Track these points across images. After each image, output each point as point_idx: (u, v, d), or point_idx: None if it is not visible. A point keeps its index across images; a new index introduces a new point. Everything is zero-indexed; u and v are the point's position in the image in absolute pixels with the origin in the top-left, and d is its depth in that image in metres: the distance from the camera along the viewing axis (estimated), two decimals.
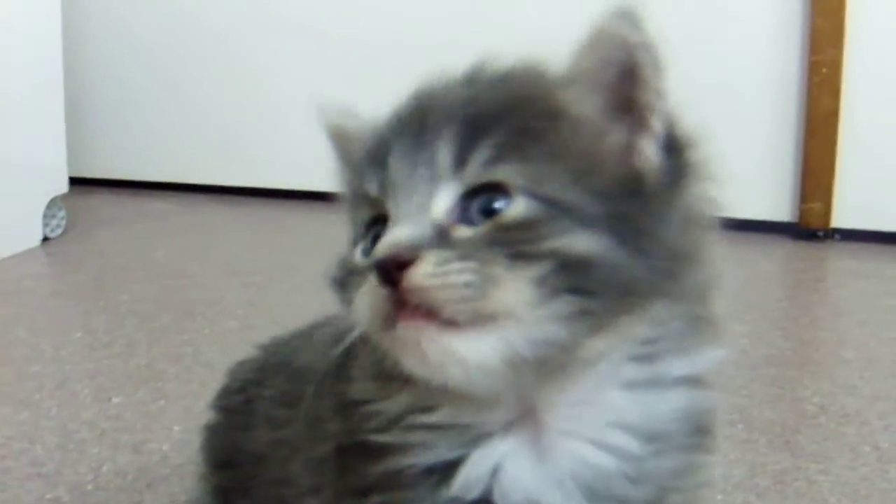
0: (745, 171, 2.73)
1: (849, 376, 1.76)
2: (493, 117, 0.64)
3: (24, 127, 2.75)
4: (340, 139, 0.77)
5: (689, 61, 2.61)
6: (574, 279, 0.60)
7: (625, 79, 0.66)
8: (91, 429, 1.55)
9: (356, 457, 0.72)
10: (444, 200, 0.63)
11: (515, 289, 0.59)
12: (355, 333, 0.64)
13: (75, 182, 3.03)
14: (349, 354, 0.68)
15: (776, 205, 2.74)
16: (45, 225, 2.83)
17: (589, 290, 0.61)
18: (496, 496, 0.67)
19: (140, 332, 2.03)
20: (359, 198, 0.70)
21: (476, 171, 0.63)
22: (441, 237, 0.62)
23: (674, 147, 0.67)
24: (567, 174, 0.63)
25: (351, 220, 0.72)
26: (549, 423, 0.67)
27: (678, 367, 0.68)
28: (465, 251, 0.60)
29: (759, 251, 2.63)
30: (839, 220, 2.67)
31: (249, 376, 1.04)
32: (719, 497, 1.31)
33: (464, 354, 0.60)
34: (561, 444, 0.67)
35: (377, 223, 0.67)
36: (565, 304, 0.60)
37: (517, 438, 0.67)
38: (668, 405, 0.68)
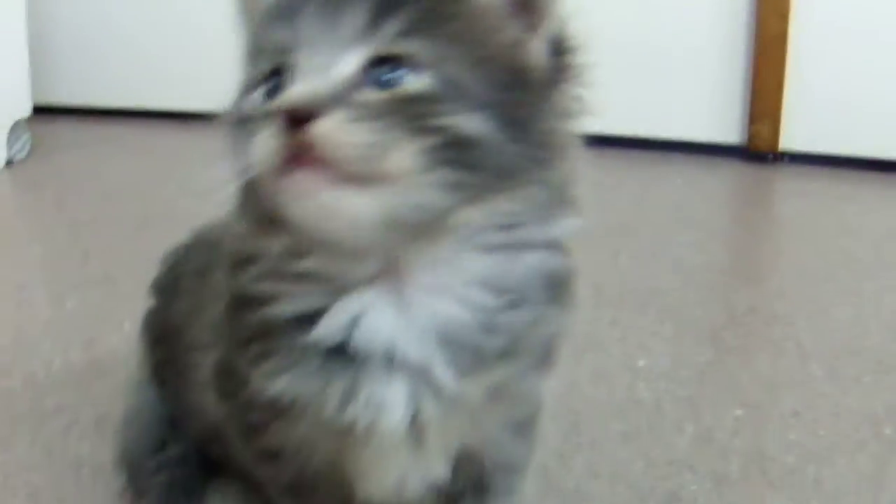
0: (696, 93, 2.79)
1: (781, 282, 1.84)
2: None
3: None
4: None
5: None
6: (458, 155, 0.64)
7: None
8: (45, 328, 1.62)
9: (240, 309, 0.77)
10: (352, 62, 0.66)
11: (408, 156, 0.63)
12: (248, 175, 0.66)
13: (40, 110, 3.05)
14: (240, 202, 0.72)
15: (726, 127, 2.78)
16: (9, 148, 2.85)
17: (469, 166, 0.65)
18: (354, 343, 0.72)
19: (96, 243, 2.09)
20: (259, 49, 0.72)
21: (386, 40, 0.66)
22: (346, 97, 0.64)
23: (559, 49, 0.72)
24: (466, 59, 0.67)
25: (247, 70, 0.75)
26: (410, 279, 0.71)
27: (536, 232, 0.73)
28: (371, 113, 0.63)
29: (708, 172, 2.69)
30: (787, 142, 2.71)
31: (178, 256, 1.09)
32: (642, 385, 1.39)
33: (350, 209, 0.63)
34: (420, 298, 0.71)
35: (277, 74, 0.69)
36: (446, 175, 0.64)
37: (379, 291, 0.71)
38: (523, 265, 0.73)
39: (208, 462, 1.06)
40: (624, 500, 1.11)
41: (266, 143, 0.64)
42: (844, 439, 1.24)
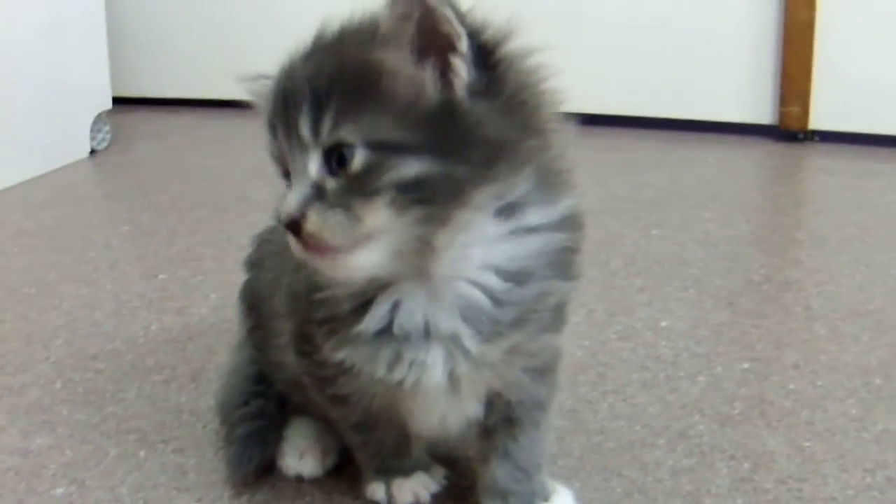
0: (730, 78, 2.95)
1: (797, 253, 2.01)
2: (329, 88, 0.84)
3: (72, 51, 2.96)
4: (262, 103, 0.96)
5: None
6: (414, 194, 0.84)
7: (422, 24, 0.83)
8: (141, 299, 1.83)
9: (311, 297, 0.99)
10: (314, 163, 0.85)
11: (374, 215, 0.84)
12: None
13: (116, 101, 3.20)
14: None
15: (758, 109, 2.94)
16: (92, 139, 3.04)
17: (428, 199, 0.84)
18: (395, 326, 0.94)
19: (180, 224, 2.29)
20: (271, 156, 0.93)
21: (326, 136, 0.84)
22: (318, 192, 0.85)
23: (486, 52, 0.85)
24: (389, 120, 0.83)
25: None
26: (434, 272, 0.91)
27: (535, 217, 0.92)
28: (334, 200, 0.84)
29: (740, 151, 2.85)
30: (817, 122, 2.87)
31: (264, 237, 1.30)
32: (663, 343, 1.57)
33: (355, 265, 0.86)
34: (444, 285, 0.92)
35: (287, 177, 0.90)
36: (414, 212, 0.84)
37: (412, 284, 0.93)
38: (526, 248, 0.92)
39: (286, 412, 1.26)
40: (640, 437, 1.29)
41: (292, 242, 0.88)
42: (838, 388, 1.41)
